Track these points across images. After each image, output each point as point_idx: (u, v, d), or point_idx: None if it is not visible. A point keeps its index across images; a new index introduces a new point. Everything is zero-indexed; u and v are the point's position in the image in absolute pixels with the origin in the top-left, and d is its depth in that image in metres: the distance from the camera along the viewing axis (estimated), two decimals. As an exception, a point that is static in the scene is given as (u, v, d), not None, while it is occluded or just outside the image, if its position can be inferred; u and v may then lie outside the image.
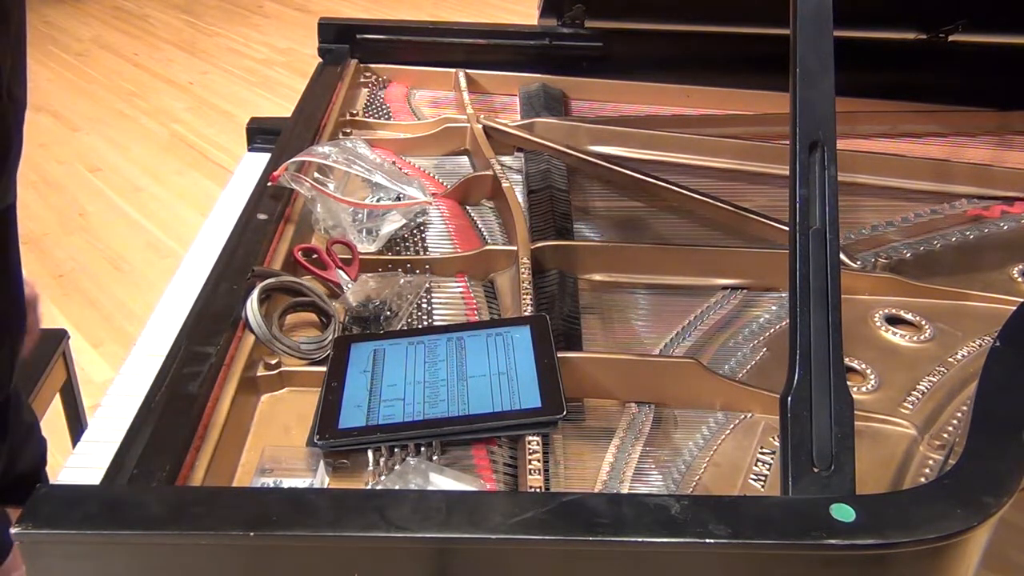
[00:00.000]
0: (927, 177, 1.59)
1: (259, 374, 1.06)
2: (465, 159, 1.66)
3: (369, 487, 0.91)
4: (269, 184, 1.34)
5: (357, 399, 1.01)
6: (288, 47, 5.30)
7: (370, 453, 0.95)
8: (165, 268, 2.96)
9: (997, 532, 0.77)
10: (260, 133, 1.83)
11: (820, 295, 0.85)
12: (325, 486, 0.92)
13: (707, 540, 0.70)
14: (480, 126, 1.65)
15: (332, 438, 0.95)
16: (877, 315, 1.24)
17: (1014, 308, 1.05)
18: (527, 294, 1.17)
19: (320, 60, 1.89)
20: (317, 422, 0.98)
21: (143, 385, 0.95)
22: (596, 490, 0.94)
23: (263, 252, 1.21)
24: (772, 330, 1.22)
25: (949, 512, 0.73)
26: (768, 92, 1.80)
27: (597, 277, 1.31)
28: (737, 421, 1.05)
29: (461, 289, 1.26)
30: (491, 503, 0.75)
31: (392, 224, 1.37)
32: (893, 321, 1.24)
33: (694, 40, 1.89)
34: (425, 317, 1.20)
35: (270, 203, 1.30)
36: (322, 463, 0.94)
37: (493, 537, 0.71)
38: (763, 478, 0.97)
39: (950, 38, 1.85)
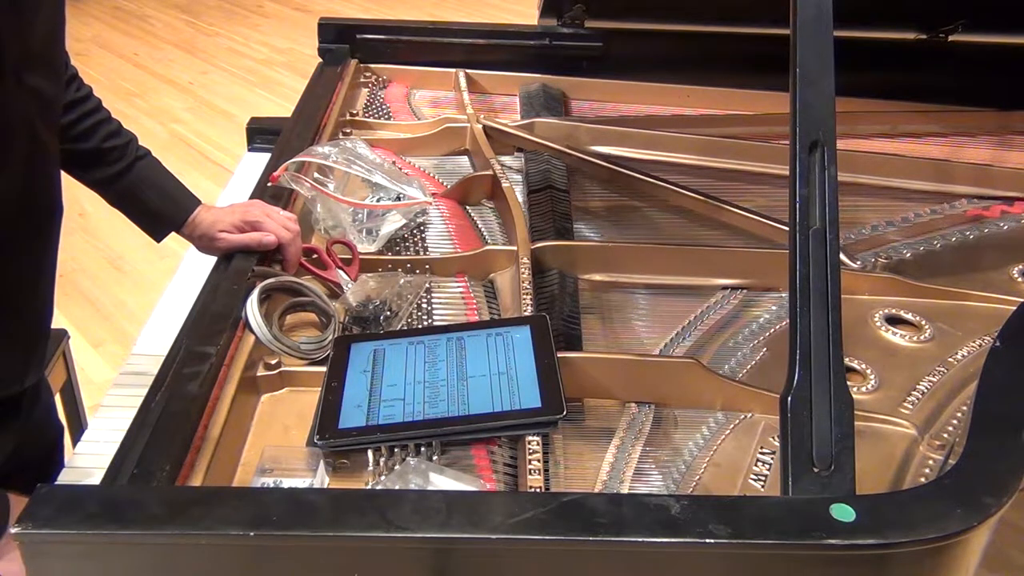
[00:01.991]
0: (927, 177, 1.59)
1: (259, 374, 1.06)
2: (465, 159, 1.66)
3: (369, 487, 0.91)
4: (269, 184, 1.34)
5: (357, 399, 1.01)
6: (288, 47, 5.30)
7: (370, 453, 0.95)
8: (165, 268, 2.95)
9: (997, 532, 0.77)
10: (260, 133, 1.83)
11: (820, 295, 0.85)
12: (325, 486, 0.92)
13: (707, 540, 0.70)
14: (480, 126, 1.65)
15: (332, 438, 0.95)
16: (877, 315, 1.24)
17: (1014, 308, 1.05)
18: (527, 294, 1.17)
19: (320, 60, 1.89)
20: (317, 422, 0.98)
21: (143, 385, 0.95)
22: (596, 490, 0.94)
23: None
24: (772, 330, 1.22)
25: (949, 512, 0.73)
26: (768, 92, 1.80)
27: (597, 277, 1.31)
28: (737, 421, 1.05)
29: (461, 289, 1.26)
30: (491, 503, 0.75)
31: (392, 224, 1.37)
32: (893, 321, 1.24)
33: (694, 40, 1.89)
34: (425, 317, 1.20)
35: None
36: (322, 463, 0.94)
37: (493, 537, 0.71)
38: (763, 478, 0.97)
39: (950, 38, 1.85)
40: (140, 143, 1.23)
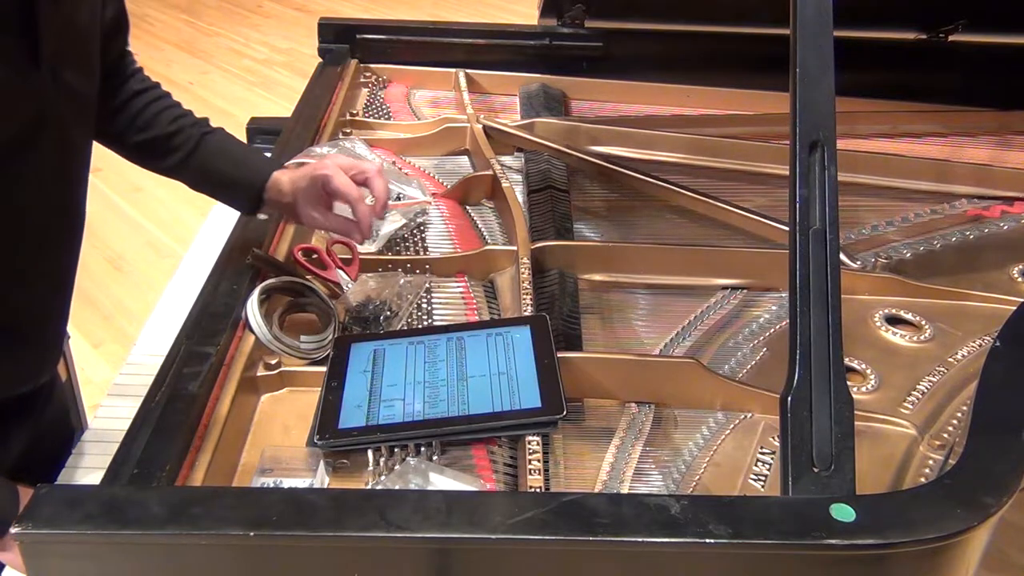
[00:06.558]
0: (927, 177, 1.59)
1: (259, 374, 1.06)
2: (465, 159, 1.66)
3: (369, 487, 0.91)
4: (269, 184, 1.34)
5: (357, 399, 1.01)
6: (288, 47, 5.30)
7: (370, 453, 0.95)
8: (165, 268, 2.96)
9: (997, 532, 0.77)
10: (260, 133, 1.83)
11: (820, 295, 0.85)
12: (325, 486, 0.92)
13: (707, 540, 0.70)
14: (480, 126, 1.65)
15: (332, 438, 0.95)
16: (877, 315, 1.24)
17: (1014, 308, 1.05)
18: (527, 294, 1.17)
19: (320, 60, 1.89)
20: (317, 422, 0.98)
21: (143, 385, 0.95)
22: (596, 490, 0.94)
23: (263, 252, 1.20)
24: (772, 330, 1.22)
25: (949, 512, 0.73)
26: (768, 92, 1.80)
27: (597, 277, 1.31)
28: (737, 421, 1.05)
29: (461, 289, 1.26)
30: (491, 503, 0.75)
31: (392, 224, 1.37)
32: (893, 321, 1.24)
33: (694, 40, 1.89)
34: (425, 317, 1.20)
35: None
36: (322, 463, 0.94)
37: (493, 537, 0.71)
38: (763, 478, 0.97)
39: (950, 38, 1.85)
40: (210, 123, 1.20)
